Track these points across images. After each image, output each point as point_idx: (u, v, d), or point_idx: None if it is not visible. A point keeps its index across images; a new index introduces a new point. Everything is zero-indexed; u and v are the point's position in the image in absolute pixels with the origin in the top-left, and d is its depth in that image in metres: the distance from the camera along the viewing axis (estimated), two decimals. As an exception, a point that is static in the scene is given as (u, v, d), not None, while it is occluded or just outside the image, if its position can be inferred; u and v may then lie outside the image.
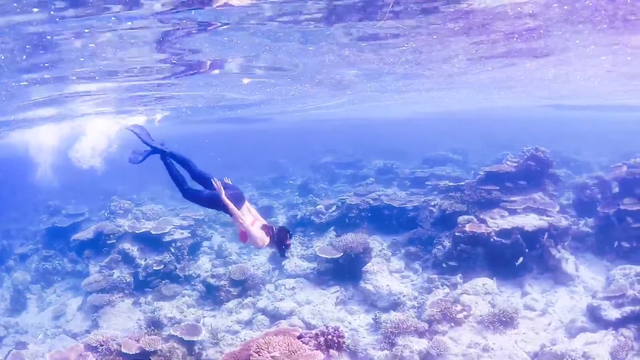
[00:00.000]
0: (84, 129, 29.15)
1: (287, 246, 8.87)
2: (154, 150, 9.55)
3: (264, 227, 8.88)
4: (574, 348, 12.61)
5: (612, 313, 13.66)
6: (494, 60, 18.40)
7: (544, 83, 27.56)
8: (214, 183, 8.81)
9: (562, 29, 13.52)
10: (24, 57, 12.10)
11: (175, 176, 9.27)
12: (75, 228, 24.15)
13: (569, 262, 17.23)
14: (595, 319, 13.92)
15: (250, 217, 8.96)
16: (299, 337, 9.25)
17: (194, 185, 9.46)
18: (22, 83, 15.39)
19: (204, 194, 9.13)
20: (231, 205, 8.67)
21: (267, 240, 8.77)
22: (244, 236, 8.77)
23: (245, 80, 20.15)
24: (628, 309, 13.55)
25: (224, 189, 8.83)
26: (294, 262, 19.13)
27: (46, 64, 13.14)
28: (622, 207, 18.07)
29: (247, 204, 9.18)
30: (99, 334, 14.01)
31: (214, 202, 8.94)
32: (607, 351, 12.40)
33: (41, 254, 23.06)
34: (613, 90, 32.07)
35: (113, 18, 9.69)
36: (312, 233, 21.74)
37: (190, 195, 9.21)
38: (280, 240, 8.77)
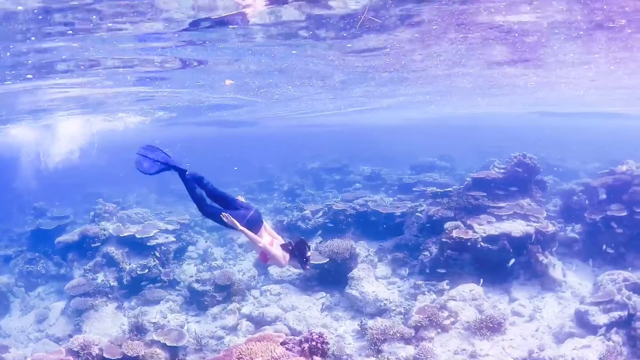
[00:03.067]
0: (60, 129, 28.96)
1: (308, 258, 8.86)
2: (170, 167, 9.01)
3: (283, 245, 8.87)
4: (562, 354, 12.51)
5: (600, 318, 13.58)
6: (473, 63, 18.35)
7: (528, 91, 27.63)
8: (223, 218, 8.60)
9: (536, 35, 13.50)
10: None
11: (195, 193, 8.96)
12: (60, 230, 23.89)
13: (557, 268, 17.17)
14: (584, 324, 13.83)
15: (268, 237, 8.94)
16: (283, 344, 9.08)
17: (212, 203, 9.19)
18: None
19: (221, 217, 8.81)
20: (248, 232, 8.63)
21: (287, 257, 8.81)
22: (264, 257, 8.78)
23: (228, 82, 19.99)
24: (616, 314, 13.49)
25: (240, 208, 8.82)
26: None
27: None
28: (609, 213, 18.08)
29: (264, 223, 9.11)
30: (80, 339, 13.76)
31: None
32: (596, 357, 12.29)
33: (25, 256, 22.66)
34: (599, 100, 32.26)
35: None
36: (299, 238, 21.53)
37: (208, 214, 9.00)
38: (301, 254, 8.78)
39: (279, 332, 13.70)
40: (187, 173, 8.87)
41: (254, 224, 8.79)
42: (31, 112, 24.48)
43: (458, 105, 38.79)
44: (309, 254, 8.83)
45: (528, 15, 11.31)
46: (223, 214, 8.63)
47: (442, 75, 21.20)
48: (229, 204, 9.00)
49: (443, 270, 16.85)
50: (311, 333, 9.11)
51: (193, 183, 8.91)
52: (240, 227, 8.56)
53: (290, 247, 8.83)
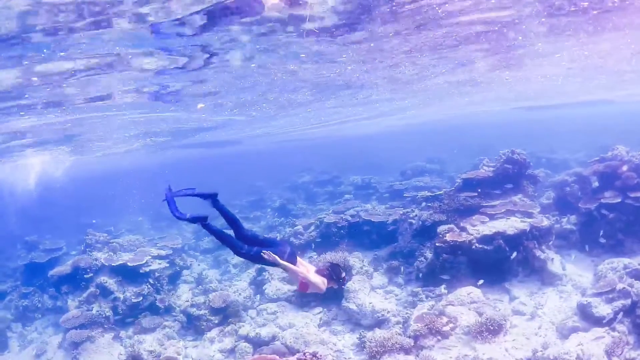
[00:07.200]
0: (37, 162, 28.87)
1: (344, 279, 9.21)
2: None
3: (319, 272, 9.11)
4: (566, 350, 12.17)
5: (604, 309, 13.32)
6: (441, 60, 18.19)
7: (506, 86, 27.46)
8: (265, 256, 8.70)
9: (505, 29, 13.37)
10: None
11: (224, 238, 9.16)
12: (53, 263, 23.81)
13: (555, 262, 16.89)
14: (587, 317, 13.55)
15: (304, 268, 9.12)
16: (277, 365, 8.83)
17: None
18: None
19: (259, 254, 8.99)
20: (291, 267, 8.82)
21: (326, 281, 9.02)
22: (304, 287, 8.96)
23: (200, 105, 19.84)
24: (619, 303, 13.23)
25: (275, 246, 8.99)
26: (275, 285, 18.60)
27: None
28: (603, 201, 17.87)
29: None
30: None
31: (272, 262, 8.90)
32: (602, 349, 12.01)
33: (20, 291, 22.37)
34: (580, 88, 32.16)
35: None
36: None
37: (245, 255, 9.12)
38: (337, 276, 9.08)
39: (277, 351, 13.44)
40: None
41: (292, 258, 8.99)
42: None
43: (440, 107, 38.61)
44: (343, 274, 9.15)
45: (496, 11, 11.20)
46: (264, 252, 8.76)
47: (415, 79, 21.09)
48: (264, 243, 9.19)
49: (440, 275, 16.55)
50: (304, 353, 8.88)
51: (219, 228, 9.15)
52: (283, 263, 8.71)
53: (325, 272, 9.06)
